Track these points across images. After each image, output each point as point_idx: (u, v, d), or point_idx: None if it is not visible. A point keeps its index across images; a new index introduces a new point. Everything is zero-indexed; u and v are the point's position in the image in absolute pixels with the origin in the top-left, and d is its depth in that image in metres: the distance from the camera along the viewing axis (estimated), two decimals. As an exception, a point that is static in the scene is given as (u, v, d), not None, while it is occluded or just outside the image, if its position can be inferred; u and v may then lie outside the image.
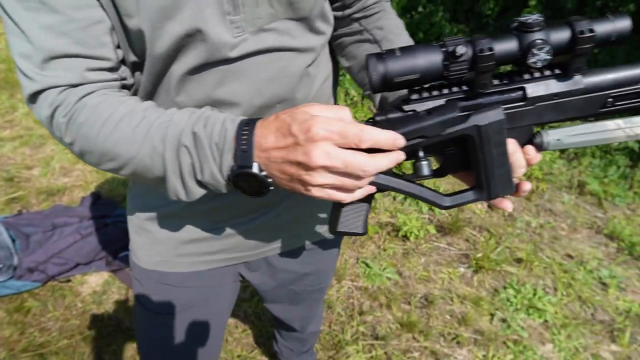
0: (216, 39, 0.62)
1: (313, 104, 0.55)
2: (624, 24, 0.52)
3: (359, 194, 0.59)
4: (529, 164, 0.59)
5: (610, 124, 0.56)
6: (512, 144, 0.58)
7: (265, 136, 0.55)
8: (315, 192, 0.56)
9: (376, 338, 1.79)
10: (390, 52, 0.54)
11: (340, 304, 1.94)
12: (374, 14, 0.82)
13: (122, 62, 0.66)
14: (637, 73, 0.55)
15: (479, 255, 2.20)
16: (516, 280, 2.11)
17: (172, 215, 0.82)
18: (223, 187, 0.60)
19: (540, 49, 0.52)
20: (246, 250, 0.88)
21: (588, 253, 2.37)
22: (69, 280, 1.90)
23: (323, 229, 0.95)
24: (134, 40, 0.63)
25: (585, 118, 0.58)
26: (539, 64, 0.53)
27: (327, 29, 0.75)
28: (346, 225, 0.67)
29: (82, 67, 0.59)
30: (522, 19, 0.53)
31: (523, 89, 0.57)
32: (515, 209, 2.66)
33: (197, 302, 0.91)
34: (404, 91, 0.61)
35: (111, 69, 0.63)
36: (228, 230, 0.84)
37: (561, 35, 0.52)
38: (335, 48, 0.86)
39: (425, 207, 2.49)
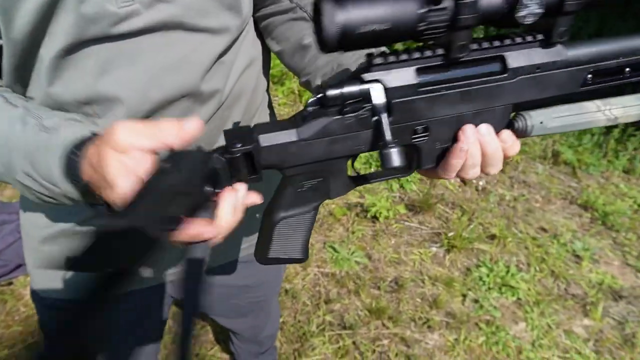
0: (92, 8, 0.48)
1: (124, 124, 0.42)
2: None
3: None
4: (506, 156, 0.51)
5: (590, 105, 0.52)
6: (485, 128, 0.50)
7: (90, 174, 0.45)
8: None
9: (344, 327, 1.71)
10: None
11: (305, 292, 1.85)
12: None
13: None
14: (620, 46, 0.51)
15: (451, 234, 2.12)
16: (489, 258, 2.05)
17: (70, 233, 0.68)
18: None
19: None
20: (165, 269, 0.76)
21: (562, 225, 2.32)
22: (10, 283, 1.75)
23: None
24: None
25: (565, 99, 0.53)
26: (530, 19, 0.44)
27: (246, 7, 0.61)
28: (280, 249, 0.54)
29: None
30: None
31: (503, 58, 0.49)
32: (489, 182, 2.59)
33: (109, 329, 0.79)
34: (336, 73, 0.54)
35: None
36: None
37: None
38: (263, 31, 0.71)
39: (395, 185, 2.39)
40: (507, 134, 0.50)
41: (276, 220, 0.53)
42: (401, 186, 2.40)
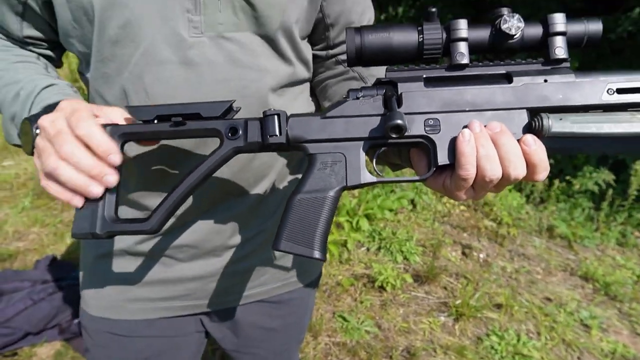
0: (169, 30, 0.61)
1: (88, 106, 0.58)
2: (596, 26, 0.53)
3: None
4: (530, 161, 0.51)
5: (623, 115, 0.51)
6: (495, 123, 0.52)
7: None
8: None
9: (358, 397, 1.66)
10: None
11: (317, 362, 1.80)
12: None
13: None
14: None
15: (458, 302, 2.13)
16: (498, 327, 2.04)
17: (124, 253, 0.75)
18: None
19: (511, 17, 0.52)
20: (205, 299, 0.80)
21: (566, 295, 2.35)
22: (15, 354, 1.70)
23: (293, 278, 0.88)
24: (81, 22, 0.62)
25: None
26: (513, 30, 0.52)
27: (297, 63, 0.72)
28: (293, 239, 0.56)
29: None
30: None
31: (508, 72, 0.55)
32: (489, 255, 2.65)
33: (150, 355, 0.81)
34: None
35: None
36: (185, 274, 0.77)
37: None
38: (319, 93, 0.82)
39: (399, 256, 2.44)
40: (527, 137, 0.51)
41: (295, 199, 0.56)
42: (405, 258, 2.45)
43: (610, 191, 2.85)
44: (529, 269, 2.56)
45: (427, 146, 0.56)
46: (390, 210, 2.78)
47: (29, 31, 0.68)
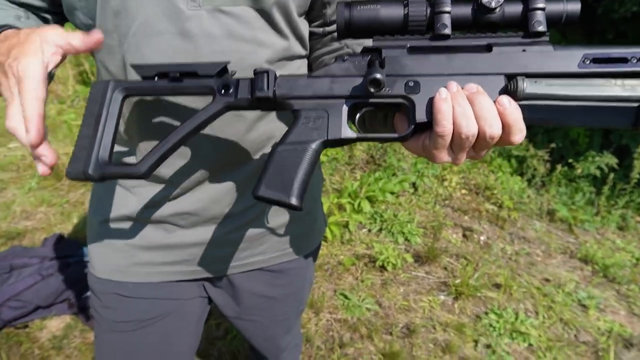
0: (166, 3, 0.62)
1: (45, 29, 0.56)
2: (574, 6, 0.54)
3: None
4: (506, 121, 0.52)
5: (598, 80, 0.53)
6: (472, 85, 0.54)
7: None
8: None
9: (358, 371, 1.70)
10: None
11: (319, 337, 1.85)
12: None
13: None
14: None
15: (458, 281, 2.17)
16: (497, 305, 2.08)
17: (128, 219, 0.78)
18: None
19: None
20: (206, 264, 0.83)
21: (565, 277, 2.38)
22: (26, 326, 1.75)
23: (292, 248, 0.91)
24: None
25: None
26: (493, 4, 0.54)
27: (292, 38, 0.74)
28: (272, 186, 0.57)
29: None
30: None
31: (488, 42, 0.58)
32: (490, 237, 2.68)
33: (155, 316, 0.84)
34: None
35: None
36: (186, 240, 0.80)
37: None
38: (316, 69, 0.81)
39: (400, 237, 2.48)
40: (502, 97, 0.53)
41: (277, 150, 0.58)
42: (406, 239, 2.48)
43: (612, 175, 2.86)
44: (529, 251, 2.59)
45: (407, 107, 0.58)
46: (392, 193, 2.81)
47: None
